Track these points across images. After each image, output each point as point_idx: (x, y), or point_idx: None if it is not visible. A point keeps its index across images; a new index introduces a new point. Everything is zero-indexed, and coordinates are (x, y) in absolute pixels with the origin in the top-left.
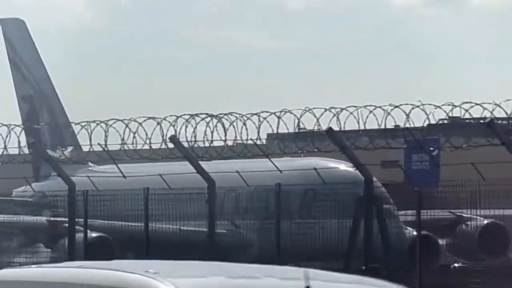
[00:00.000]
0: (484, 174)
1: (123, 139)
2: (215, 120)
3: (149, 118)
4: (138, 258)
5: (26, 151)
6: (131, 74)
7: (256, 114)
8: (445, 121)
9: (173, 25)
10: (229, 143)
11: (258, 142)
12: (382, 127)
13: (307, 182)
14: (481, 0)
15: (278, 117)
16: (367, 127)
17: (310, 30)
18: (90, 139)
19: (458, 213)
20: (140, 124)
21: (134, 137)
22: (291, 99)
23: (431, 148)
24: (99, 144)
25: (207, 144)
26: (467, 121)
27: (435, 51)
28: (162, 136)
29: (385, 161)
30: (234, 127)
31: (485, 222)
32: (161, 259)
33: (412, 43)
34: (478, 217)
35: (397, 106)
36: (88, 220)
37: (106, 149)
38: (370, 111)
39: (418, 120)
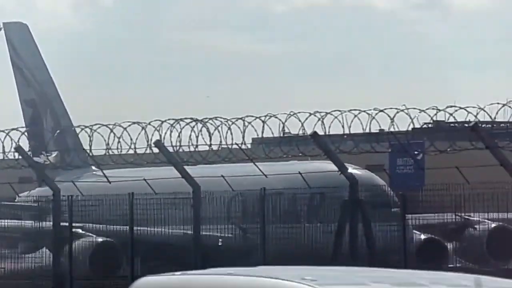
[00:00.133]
0: (468, 177)
1: (107, 144)
2: (200, 125)
3: (134, 123)
4: (144, 263)
5: (10, 156)
6: (115, 79)
7: (241, 118)
8: (430, 125)
9: (156, 29)
10: (214, 147)
11: (243, 147)
12: (367, 131)
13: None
14: (464, 4)
15: (263, 122)
16: (352, 131)
17: (294, 33)
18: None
19: (465, 216)
20: (124, 129)
21: (119, 142)
22: (276, 103)
23: (416, 152)
24: (84, 149)
25: (192, 149)
26: (451, 125)
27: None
28: (147, 141)
29: (370, 165)
30: (219, 131)
31: (493, 225)
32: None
33: (397, 47)
34: (486, 221)
35: (381, 110)
36: (92, 224)
37: (91, 154)
38: (355, 115)
39: (403, 124)
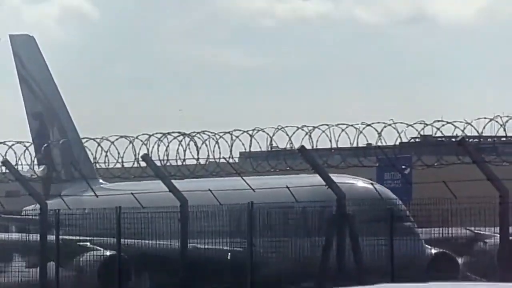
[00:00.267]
0: (455, 192)
1: (95, 158)
2: (187, 139)
3: (121, 136)
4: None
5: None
6: (103, 92)
7: (228, 132)
8: (417, 140)
9: (145, 43)
10: (202, 161)
11: (231, 161)
12: (354, 145)
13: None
14: (451, 19)
15: (251, 136)
16: (339, 146)
17: (282, 47)
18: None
19: (475, 231)
20: (112, 143)
21: (106, 155)
22: (263, 117)
23: (403, 167)
24: (71, 163)
25: (179, 163)
26: (438, 139)
27: (406, 70)
28: (135, 155)
29: None
30: (206, 145)
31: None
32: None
33: (384, 62)
34: (497, 235)
35: (369, 125)
36: (101, 238)
37: (78, 168)
38: (342, 130)
39: (390, 139)
